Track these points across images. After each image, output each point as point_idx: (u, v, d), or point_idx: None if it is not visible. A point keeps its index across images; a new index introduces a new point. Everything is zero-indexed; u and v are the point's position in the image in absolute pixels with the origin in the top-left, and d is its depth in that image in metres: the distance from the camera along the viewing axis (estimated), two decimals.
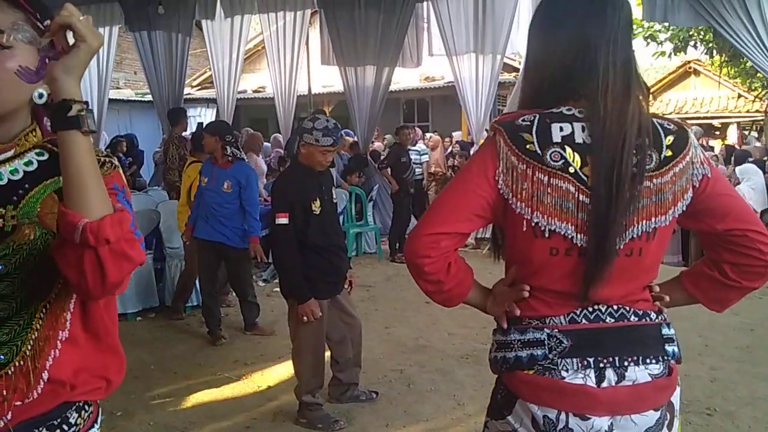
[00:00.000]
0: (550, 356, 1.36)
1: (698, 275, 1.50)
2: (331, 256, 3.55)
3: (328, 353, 3.76)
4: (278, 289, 3.81)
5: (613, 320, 1.39)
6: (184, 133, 7.89)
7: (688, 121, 15.47)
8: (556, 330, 1.38)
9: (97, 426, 1.34)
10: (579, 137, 1.34)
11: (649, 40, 13.99)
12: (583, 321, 1.38)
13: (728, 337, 5.01)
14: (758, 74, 12.76)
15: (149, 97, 10.61)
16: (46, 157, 1.23)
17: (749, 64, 9.40)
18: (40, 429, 1.21)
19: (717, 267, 1.43)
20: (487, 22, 7.52)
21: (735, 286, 1.43)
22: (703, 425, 3.58)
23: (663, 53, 14.23)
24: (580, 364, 1.35)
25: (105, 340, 1.29)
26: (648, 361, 1.37)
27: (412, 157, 9.21)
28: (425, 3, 8.19)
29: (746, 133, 17.94)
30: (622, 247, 1.34)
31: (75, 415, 1.26)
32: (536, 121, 1.36)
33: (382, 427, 3.64)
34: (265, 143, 9.63)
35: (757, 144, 13.35)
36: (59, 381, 1.21)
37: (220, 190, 4.97)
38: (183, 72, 9.20)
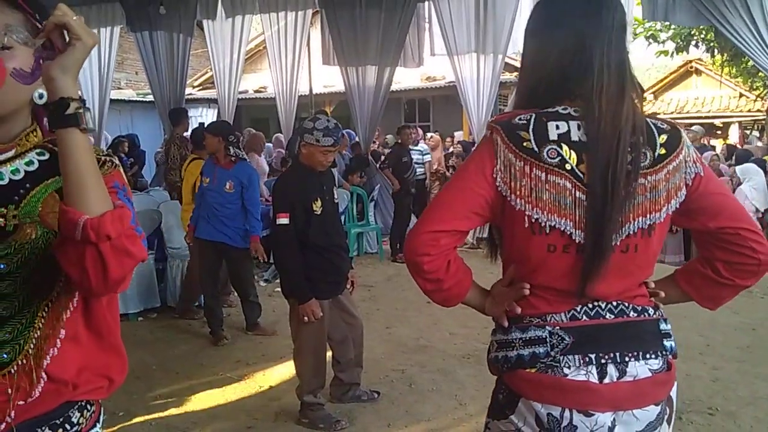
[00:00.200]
0: (552, 354, 1.37)
1: (692, 273, 1.51)
2: (333, 256, 3.55)
3: (329, 353, 3.76)
4: (279, 289, 3.81)
5: (612, 316, 1.40)
6: (185, 134, 7.90)
7: (690, 121, 15.50)
8: (558, 327, 1.39)
9: (99, 425, 1.34)
10: (575, 135, 1.36)
11: (650, 40, 13.98)
12: (584, 318, 1.39)
13: (729, 337, 5.01)
14: (760, 73, 12.74)
15: (150, 98, 10.61)
16: (47, 156, 1.24)
17: (751, 63, 9.40)
18: (43, 428, 1.22)
19: (710, 265, 1.45)
20: (489, 22, 7.50)
21: (728, 284, 1.45)
22: (705, 425, 3.58)
23: (665, 52, 14.22)
24: (582, 361, 1.36)
25: (107, 338, 1.30)
26: (648, 356, 1.39)
27: (415, 157, 9.21)
28: (426, 2, 8.18)
29: (748, 132, 17.93)
30: (618, 243, 1.36)
31: (77, 414, 1.27)
32: (533, 120, 1.38)
33: (384, 427, 3.64)
34: (267, 144, 9.63)
35: (759, 143, 13.34)
36: (62, 380, 1.21)
37: (222, 191, 4.98)
38: (184, 72, 9.19)
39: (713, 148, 12.50)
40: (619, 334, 1.39)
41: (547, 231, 1.35)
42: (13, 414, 1.16)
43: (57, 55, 1.09)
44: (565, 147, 1.35)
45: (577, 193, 1.34)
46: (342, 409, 3.80)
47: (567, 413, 1.35)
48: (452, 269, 1.44)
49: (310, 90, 10.34)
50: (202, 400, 4.04)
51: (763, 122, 16.73)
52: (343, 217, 7.72)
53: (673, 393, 1.45)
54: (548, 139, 1.35)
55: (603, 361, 1.36)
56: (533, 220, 1.35)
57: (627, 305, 1.41)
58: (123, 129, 13.19)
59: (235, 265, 5.19)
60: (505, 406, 1.44)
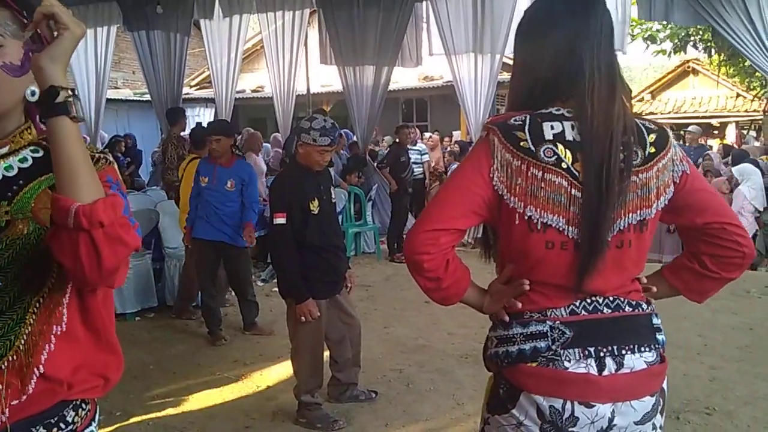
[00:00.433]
0: (553, 347, 1.40)
1: (679, 268, 1.57)
2: (330, 256, 3.54)
3: (327, 353, 3.76)
4: (277, 289, 3.80)
5: (609, 311, 1.44)
6: (182, 133, 7.89)
7: (687, 121, 15.52)
8: (558, 322, 1.42)
9: (94, 424, 1.34)
10: (569, 135, 1.41)
11: (648, 42, 14.00)
12: (583, 312, 1.43)
13: (728, 337, 5.01)
14: (757, 73, 12.76)
15: (147, 97, 10.60)
16: (41, 154, 1.24)
17: (748, 63, 9.39)
18: (37, 427, 1.21)
19: (697, 259, 1.51)
20: (486, 22, 7.51)
21: (714, 277, 1.51)
22: (702, 424, 3.58)
23: (663, 51, 14.24)
24: (581, 354, 1.40)
25: (103, 335, 1.29)
26: (642, 349, 1.44)
27: (413, 156, 9.22)
28: (424, 2, 8.18)
29: (745, 132, 17.98)
30: (610, 239, 1.40)
31: (72, 413, 1.26)
32: (528, 121, 1.43)
33: (382, 426, 3.64)
34: (265, 144, 9.62)
35: (756, 143, 13.36)
36: (57, 379, 1.21)
37: (223, 189, 4.98)
38: (181, 71, 9.19)
39: (710, 147, 12.52)
40: (615, 327, 1.43)
41: (542, 228, 1.39)
42: (7, 412, 1.16)
43: (46, 46, 1.10)
44: (560, 146, 1.39)
45: (573, 190, 1.38)
46: (339, 408, 3.79)
47: (568, 405, 1.39)
48: (451, 268, 1.47)
49: (308, 90, 10.33)
50: (199, 400, 4.03)
51: (760, 122, 16.78)
52: (340, 217, 7.71)
53: (665, 384, 1.50)
54: (544, 139, 1.40)
55: (601, 354, 1.40)
56: (526, 218, 1.39)
57: (623, 300, 1.46)
58: (120, 128, 13.18)
59: (234, 264, 5.18)
60: (506, 401, 1.46)
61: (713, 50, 14.04)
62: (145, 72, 9.22)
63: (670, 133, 1.48)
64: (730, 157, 9.41)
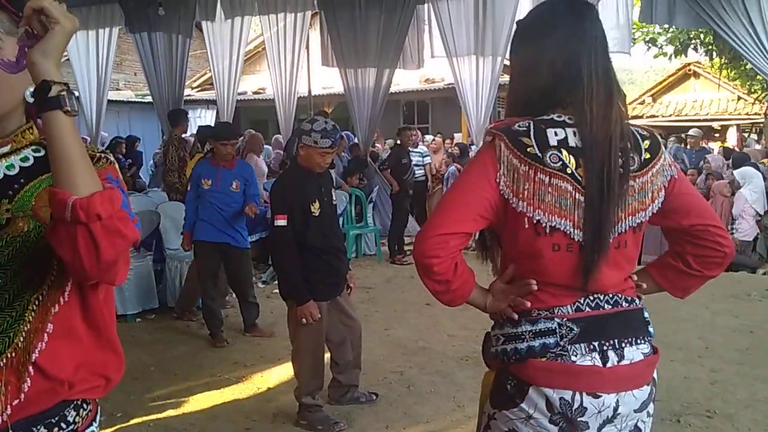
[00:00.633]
0: (562, 343, 1.47)
1: (664, 266, 1.66)
2: (330, 257, 3.55)
3: (327, 355, 3.76)
4: (278, 291, 3.81)
5: (610, 307, 1.52)
6: (183, 135, 7.90)
7: (688, 124, 15.50)
8: (565, 319, 1.49)
9: (95, 425, 1.34)
10: (572, 141, 1.47)
11: (649, 45, 14.00)
12: (587, 309, 1.50)
13: (728, 340, 5.01)
14: (758, 76, 12.76)
15: (149, 99, 10.61)
16: (42, 153, 1.25)
17: (749, 66, 9.40)
18: (38, 427, 1.21)
19: (681, 258, 1.60)
20: (488, 24, 7.52)
21: (697, 275, 1.61)
22: (703, 427, 3.58)
23: (664, 54, 14.25)
24: (587, 348, 1.47)
25: (104, 334, 1.29)
26: (638, 341, 1.52)
27: (414, 158, 9.22)
28: (426, 4, 8.19)
29: (746, 135, 17.96)
30: (611, 240, 1.48)
31: (73, 413, 1.27)
32: (532, 127, 1.48)
33: (382, 428, 3.64)
34: (266, 146, 9.62)
35: (757, 146, 13.34)
36: (58, 379, 1.21)
37: (228, 191, 4.99)
38: (183, 73, 9.20)
39: (711, 150, 12.52)
40: (615, 322, 1.51)
41: (549, 232, 1.45)
42: (9, 409, 1.16)
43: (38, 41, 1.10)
44: (564, 152, 1.45)
45: (577, 195, 1.44)
46: (340, 410, 3.79)
47: (578, 396, 1.45)
48: (459, 270, 1.51)
49: (309, 91, 10.34)
50: (200, 402, 4.03)
51: (761, 125, 16.74)
52: (341, 219, 7.72)
53: (655, 374, 1.57)
54: (549, 145, 1.45)
55: (605, 348, 1.47)
56: (535, 222, 1.44)
57: (620, 296, 1.54)
58: (121, 130, 13.19)
59: (235, 265, 5.18)
60: (515, 395, 1.51)
61: (714, 53, 14.05)
62: (147, 73, 9.23)
63: (661, 139, 1.57)
64: (730, 160, 9.40)
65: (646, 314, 1.58)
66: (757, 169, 8.24)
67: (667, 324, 5.09)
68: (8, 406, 1.16)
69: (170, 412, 3.89)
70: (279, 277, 3.72)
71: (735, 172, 8.25)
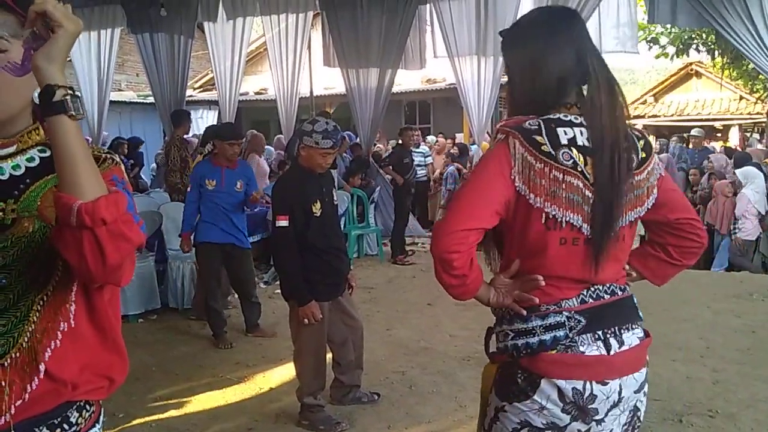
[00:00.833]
0: (570, 335, 1.53)
1: (645, 256, 1.76)
2: (331, 258, 3.55)
3: (329, 355, 3.76)
4: (279, 291, 3.81)
5: (608, 296, 1.59)
6: (185, 136, 7.91)
7: (690, 123, 15.50)
8: (573, 311, 1.54)
9: (98, 426, 1.34)
10: (580, 140, 1.53)
11: (651, 44, 13.99)
12: (590, 300, 1.57)
13: (729, 340, 5.00)
14: (760, 76, 12.76)
15: (151, 99, 10.62)
16: (47, 153, 1.25)
17: (751, 66, 9.39)
18: (41, 428, 1.21)
19: (663, 249, 1.72)
20: (489, 24, 7.52)
21: (677, 264, 1.73)
22: (705, 427, 3.57)
23: (666, 54, 14.23)
24: (592, 338, 1.53)
25: (109, 335, 1.29)
26: (633, 327, 1.60)
27: (416, 158, 9.23)
28: (428, 5, 8.19)
29: (748, 135, 17.93)
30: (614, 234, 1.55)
31: (76, 414, 1.27)
32: (543, 126, 1.53)
33: (384, 429, 3.64)
34: (268, 146, 9.62)
35: (759, 146, 13.33)
36: (62, 380, 1.21)
37: (233, 191, 5.00)
38: (185, 74, 9.21)
39: (714, 150, 12.50)
40: (614, 310, 1.59)
41: (560, 226, 1.50)
42: (13, 409, 1.16)
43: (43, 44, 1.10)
44: (574, 150, 1.51)
45: (587, 191, 1.50)
46: (342, 410, 3.80)
47: (588, 385, 1.52)
48: (474, 265, 1.56)
49: (311, 92, 10.34)
50: (202, 402, 4.04)
51: (764, 125, 16.72)
52: (343, 219, 7.72)
53: (647, 356, 1.66)
54: (560, 144, 1.51)
55: (607, 335, 1.54)
56: (550, 216, 1.50)
57: (616, 286, 1.62)
58: (123, 131, 13.20)
59: (239, 265, 5.18)
60: (526, 388, 1.55)
61: (716, 53, 14.03)
62: (149, 74, 9.25)
63: (651, 139, 1.60)
64: (732, 160, 9.39)
65: (635, 300, 1.66)
66: (760, 168, 8.22)
67: (668, 324, 5.09)
68: (12, 407, 1.16)
69: (172, 413, 3.89)
70: (280, 277, 3.72)
71: (737, 171, 8.23)
